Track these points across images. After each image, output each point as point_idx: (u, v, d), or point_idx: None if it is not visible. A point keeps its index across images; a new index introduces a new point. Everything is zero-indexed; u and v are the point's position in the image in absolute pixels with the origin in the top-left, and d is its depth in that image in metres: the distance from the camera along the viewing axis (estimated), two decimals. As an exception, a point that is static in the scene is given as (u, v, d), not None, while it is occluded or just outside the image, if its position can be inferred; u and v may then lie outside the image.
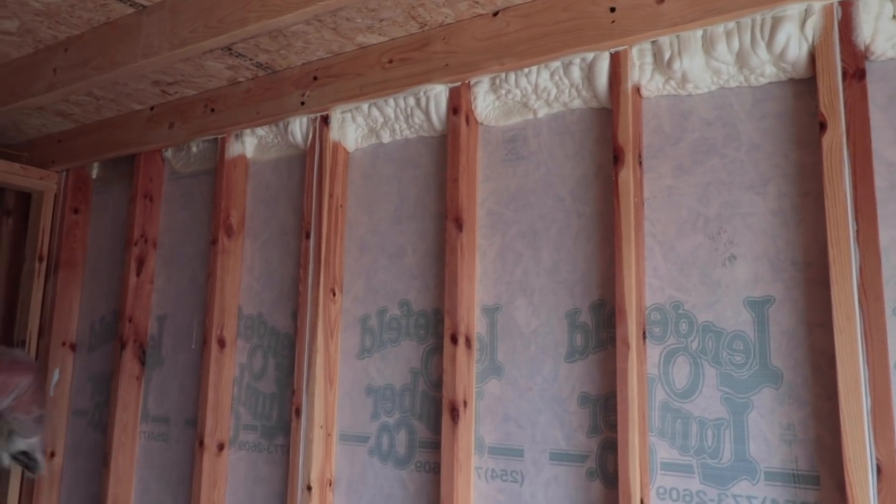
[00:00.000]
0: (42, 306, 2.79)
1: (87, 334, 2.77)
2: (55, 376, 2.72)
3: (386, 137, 2.10)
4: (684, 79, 1.62)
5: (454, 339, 1.79)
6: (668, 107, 1.68)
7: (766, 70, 1.55)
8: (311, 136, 2.16)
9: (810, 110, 1.51)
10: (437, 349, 1.91)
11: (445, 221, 1.94)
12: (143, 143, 2.52)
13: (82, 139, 2.72)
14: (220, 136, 2.36)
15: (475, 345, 1.83)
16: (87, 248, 2.85)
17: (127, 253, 2.56)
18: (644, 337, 1.59)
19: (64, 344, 2.76)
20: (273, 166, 2.36)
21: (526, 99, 1.84)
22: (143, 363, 2.53)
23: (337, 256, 2.10)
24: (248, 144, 2.36)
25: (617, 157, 1.63)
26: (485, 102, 1.89)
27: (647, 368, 1.58)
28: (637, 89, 1.67)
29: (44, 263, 2.80)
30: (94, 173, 2.86)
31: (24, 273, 2.82)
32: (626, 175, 1.61)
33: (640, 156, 1.66)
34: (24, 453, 2.31)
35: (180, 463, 2.38)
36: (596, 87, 1.72)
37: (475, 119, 1.92)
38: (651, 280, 1.62)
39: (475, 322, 1.85)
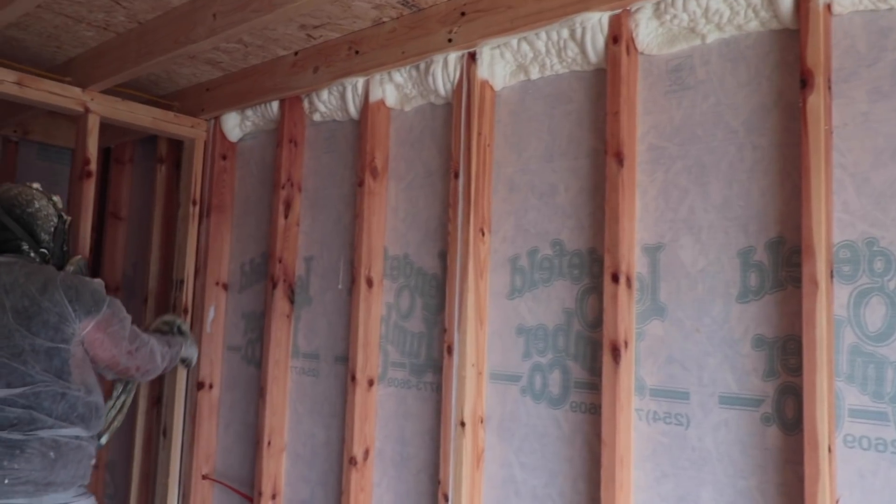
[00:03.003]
0: (196, 248, 2.95)
1: (237, 275, 2.92)
2: (211, 314, 2.89)
3: (535, 73, 2.04)
4: (886, -9, 1.46)
5: (615, 278, 1.73)
6: (863, 24, 1.52)
7: None
8: (458, 74, 2.12)
9: None
10: (593, 289, 1.86)
11: (601, 158, 1.87)
12: (288, 88, 2.58)
13: (229, 87, 2.81)
14: (364, 79, 2.37)
15: (635, 284, 1.78)
16: (235, 193, 2.98)
17: (275, 196, 2.65)
18: (832, 276, 1.48)
19: (217, 283, 2.91)
20: (415, 111, 2.35)
21: (694, 24, 1.72)
22: (292, 302, 2.64)
23: (485, 196, 2.08)
24: (389, 93, 2.36)
25: (805, 82, 1.50)
26: (647, 30, 1.79)
27: (834, 309, 1.47)
28: (828, 5, 1.52)
29: (197, 208, 2.95)
30: (234, 133, 2.94)
31: (179, 217, 2.99)
32: (816, 101, 1.48)
33: (829, 80, 1.52)
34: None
35: (331, 397, 2.48)
36: (778, 6, 1.58)
37: (635, 48, 1.82)
38: (840, 215, 1.50)
39: (635, 261, 1.78)
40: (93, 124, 2.62)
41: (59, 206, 2.11)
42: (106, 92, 2.68)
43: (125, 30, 2.41)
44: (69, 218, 2.17)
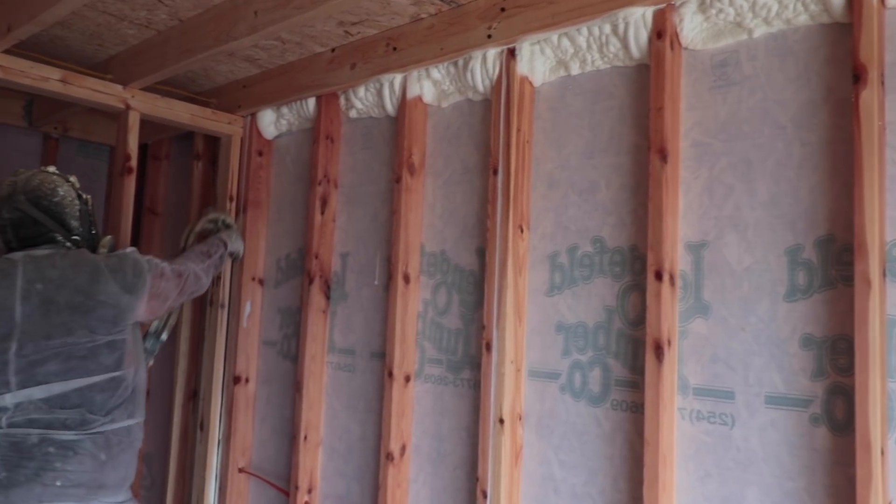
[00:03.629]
0: (233, 244, 2.98)
1: (273, 270, 2.94)
2: (247, 309, 2.92)
3: (575, 69, 2.03)
4: (944, -17, 1.42)
5: (658, 276, 1.72)
6: (918, 18, 1.49)
7: None
8: (496, 71, 2.11)
9: None
10: (635, 287, 1.85)
11: (643, 154, 1.86)
12: (325, 85, 2.59)
13: (265, 84, 2.83)
14: (402, 75, 2.37)
15: (678, 282, 1.76)
16: (271, 189, 3.00)
17: (311, 192, 2.67)
18: (885, 275, 1.45)
19: (253, 279, 2.94)
20: (452, 107, 2.35)
21: (740, 18, 1.69)
22: (328, 298, 2.65)
23: (524, 193, 2.07)
24: (426, 89, 2.36)
25: (858, 77, 1.47)
26: (691, 25, 1.76)
27: (887, 309, 1.44)
28: (882, -1, 1.49)
29: (234, 203, 2.98)
30: (270, 130, 2.96)
31: (216, 213, 3.02)
32: (869, 96, 1.45)
33: (882, 75, 1.49)
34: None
35: (367, 393, 2.50)
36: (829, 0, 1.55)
37: (679, 43, 1.80)
38: (893, 213, 1.47)
39: (678, 259, 1.76)
40: (133, 121, 2.66)
41: (77, 185, 2.05)
42: (145, 89, 2.71)
43: (166, 27, 2.44)
44: (88, 196, 2.12)
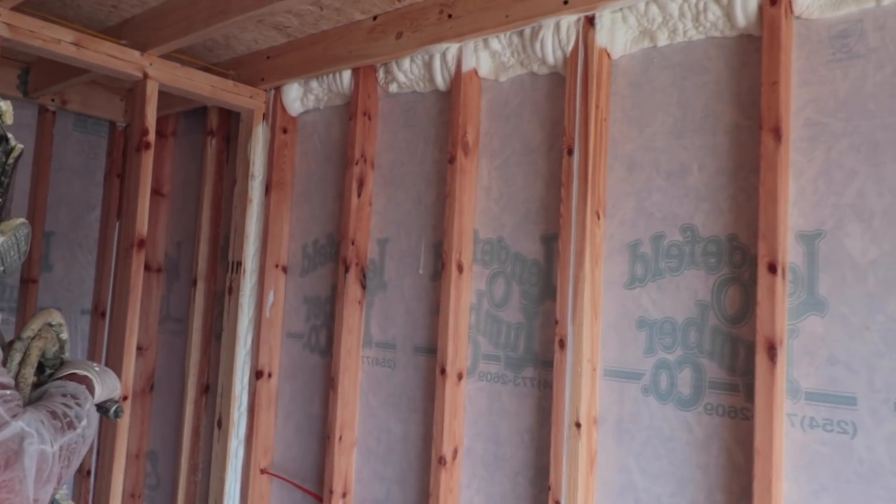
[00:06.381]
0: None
1: (298, 257, 2.73)
2: (270, 298, 2.70)
3: (662, 40, 1.84)
4: None
5: (772, 269, 1.55)
6: None
7: None
8: (572, 41, 1.92)
9: None
10: (733, 279, 1.68)
11: (744, 134, 1.69)
12: (365, 56, 2.37)
13: (293, 55, 2.60)
14: (457, 45, 2.16)
15: (787, 276, 1.60)
16: (296, 170, 2.78)
17: (348, 173, 2.45)
18: None
19: (277, 266, 2.72)
20: (511, 82, 2.16)
21: (868, -16, 1.53)
22: (364, 287, 2.45)
23: (601, 176, 1.89)
24: (483, 61, 2.16)
25: None
26: (809, -10, 1.60)
27: None
28: None
29: (255, 183, 2.75)
30: (295, 106, 2.73)
31: (235, 194, 2.79)
32: None
33: None
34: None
35: (409, 390, 2.31)
36: (982, -37, 1.39)
37: (792, 11, 1.63)
38: None
39: (788, 250, 1.60)
40: (151, 91, 2.42)
41: (12, 150, 1.21)
42: (163, 57, 2.47)
43: (194, -14, 2.20)
44: (19, 147, 1.23)
